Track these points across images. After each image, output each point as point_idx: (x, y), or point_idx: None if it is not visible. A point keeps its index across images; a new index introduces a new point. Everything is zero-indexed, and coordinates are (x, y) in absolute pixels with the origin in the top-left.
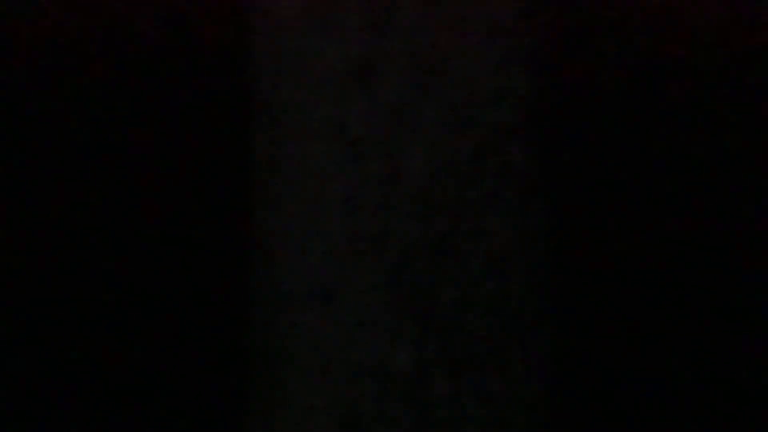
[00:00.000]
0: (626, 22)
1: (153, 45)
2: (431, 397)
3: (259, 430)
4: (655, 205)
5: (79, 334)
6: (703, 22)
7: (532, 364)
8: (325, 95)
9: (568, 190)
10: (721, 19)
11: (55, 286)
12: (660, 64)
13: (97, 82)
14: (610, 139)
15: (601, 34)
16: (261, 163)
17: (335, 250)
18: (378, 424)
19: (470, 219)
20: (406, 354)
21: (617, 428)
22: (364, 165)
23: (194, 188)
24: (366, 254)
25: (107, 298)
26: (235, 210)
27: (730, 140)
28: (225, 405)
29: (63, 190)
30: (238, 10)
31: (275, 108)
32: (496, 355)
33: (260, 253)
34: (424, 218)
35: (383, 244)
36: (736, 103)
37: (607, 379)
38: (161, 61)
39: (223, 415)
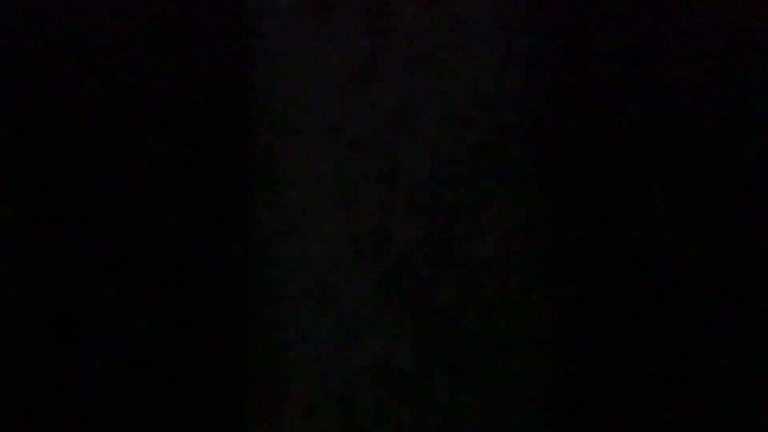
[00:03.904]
0: (626, 21)
1: (152, 44)
2: (431, 397)
3: (259, 430)
4: (656, 205)
5: (78, 334)
6: (704, 22)
7: (532, 364)
8: (325, 95)
9: (568, 190)
10: (722, 19)
11: (55, 286)
12: (660, 64)
13: (95, 82)
14: (609, 139)
15: (601, 34)
16: (261, 163)
17: (335, 250)
18: (378, 424)
19: (470, 219)
20: (406, 354)
21: (617, 428)
22: (364, 165)
23: (194, 188)
24: (366, 254)
25: (106, 298)
26: (235, 210)
27: (731, 139)
28: (225, 405)
29: (62, 189)
30: (237, 10)
31: (275, 108)
32: (496, 355)
33: (260, 253)
34: (423, 218)
35: (383, 244)
36: (737, 102)
37: (608, 379)
38: (160, 61)
39: (223, 415)
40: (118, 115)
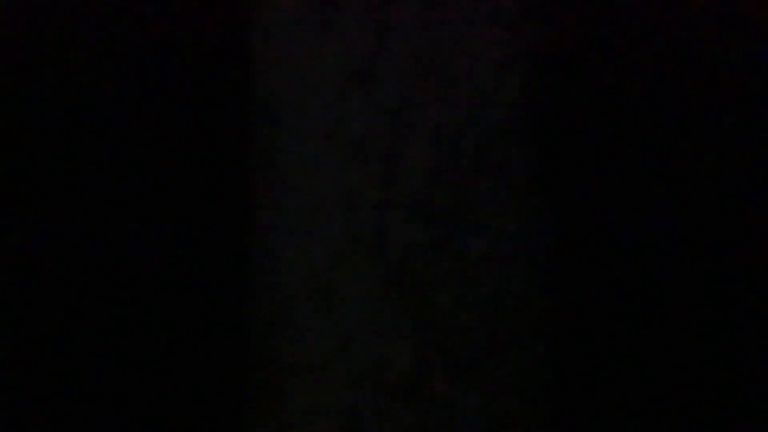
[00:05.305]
0: (626, 21)
1: (152, 44)
2: (431, 397)
3: (259, 430)
4: (656, 205)
5: (78, 336)
6: (704, 21)
7: (532, 364)
8: (325, 95)
9: (568, 190)
10: (722, 18)
11: (54, 287)
12: (660, 63)
13: (96, 82)
14: (610, 139)
15: (602, 34)
16: (261, 163)
17: (335, 250)
18: (378, 424)
19: (470, 219)
20: (406, 354)
21: (617, 427)
22: (364, 165)
23: (194, 188)
24: (366, 254)
25: (106, 298)
26: (235, 210)
27: (731, 139)
28: (225, 405)
29: (62, 190)
30: (238, 10)
31: (275, 108)
32: (496, 355)
33: (260, 253)
34: (423, 218)
35: (383, 244)
36: (738, 102)
37: (607, 379)
38: (161, 61)
39: (223, 415)
40: (118, 116)
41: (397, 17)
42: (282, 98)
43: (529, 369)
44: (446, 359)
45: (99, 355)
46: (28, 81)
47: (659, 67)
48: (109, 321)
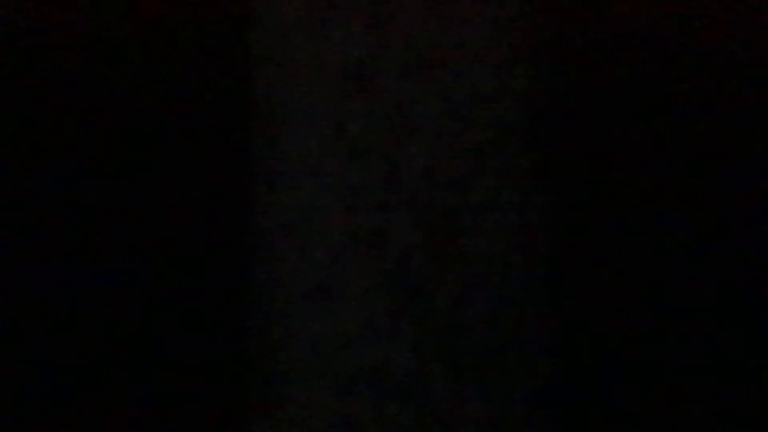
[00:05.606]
0: (626, 21)
1: (153, 44)
2: (431, 397)
3: (260, 430)
4: (656, 204)
5: (78, 335)
6: (704, 20)
7: (532, 363)
8: (325, 95)
9: (568, 190)
10: (722, 17)
11: (54, 285)
12: (660, 63)
13: (97, 81)
14: (610, 138)
15: (602, 34)
16: (261, 163)
17: (335, 249)
18: (377, 424)
19: (470, 219)
20: (406, 354)
21: (617, 427)
22: (364, 165)
23: (194, 187)
24: (365, 254)
25: (107, 297)
26: (236, 209)
27: (731, 139)
28: (225, 404)
29: (61, 187)
30: (238, 9)
31: (275, 107)
32: (496, 355)
33: (260, 253)
34: (424, 218)
35: (383, 244)
36: (738, 101)
37: (607, 379)
38: (161, 60)
39: (223, 414)
40: (118, 116)
41: (397, 17)
42: (282, 98)
43: (529, 369)
44: (446, 359)
45: (99, 354)
46: (30, 77)
47: (660, 66)
48: (109, 320)
